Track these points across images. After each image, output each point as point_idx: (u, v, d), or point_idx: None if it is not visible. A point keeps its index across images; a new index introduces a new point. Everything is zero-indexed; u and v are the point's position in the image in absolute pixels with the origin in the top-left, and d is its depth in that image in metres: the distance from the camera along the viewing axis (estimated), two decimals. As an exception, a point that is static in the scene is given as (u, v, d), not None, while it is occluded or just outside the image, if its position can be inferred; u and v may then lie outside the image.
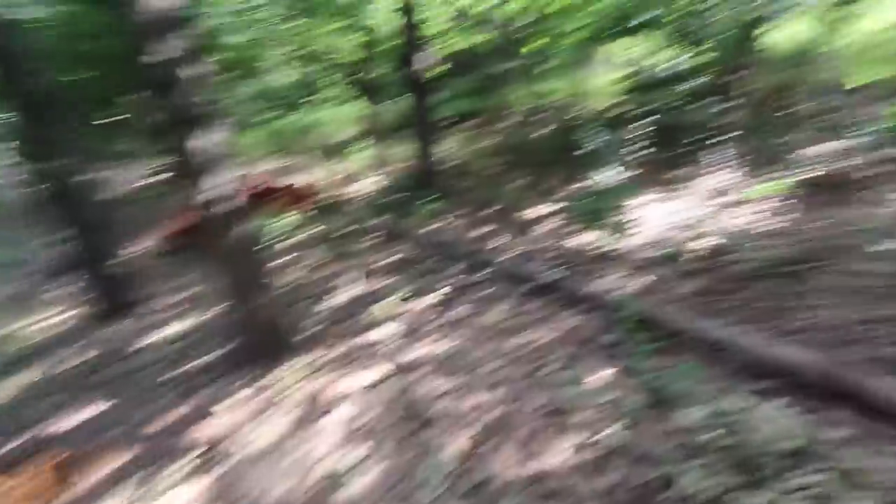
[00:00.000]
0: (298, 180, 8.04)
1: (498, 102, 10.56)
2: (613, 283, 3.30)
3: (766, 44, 6.81)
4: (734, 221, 3.97)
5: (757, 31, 6.07)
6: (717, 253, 3.47)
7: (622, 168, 3.65)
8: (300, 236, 5.46)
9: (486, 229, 4.60)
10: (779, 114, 6.39)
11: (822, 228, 3.57)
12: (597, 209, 3.48)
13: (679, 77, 6.08)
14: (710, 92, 6.46)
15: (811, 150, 5.19)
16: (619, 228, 3.55)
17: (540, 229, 4.57)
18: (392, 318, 3.23)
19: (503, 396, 2.38)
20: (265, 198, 6.34)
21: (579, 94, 10.08)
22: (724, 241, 3.57)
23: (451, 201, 5.55)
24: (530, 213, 4.98)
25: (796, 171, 4.72)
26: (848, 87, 4.78)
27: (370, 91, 9.55)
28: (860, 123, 5.59)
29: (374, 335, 3.07)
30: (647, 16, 5.65)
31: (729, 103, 5.51)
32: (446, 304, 3.32)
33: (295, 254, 4.91)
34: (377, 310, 3.36)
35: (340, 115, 15.19)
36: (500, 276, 3.60)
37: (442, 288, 3.57)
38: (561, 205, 5.05)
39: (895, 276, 2.89)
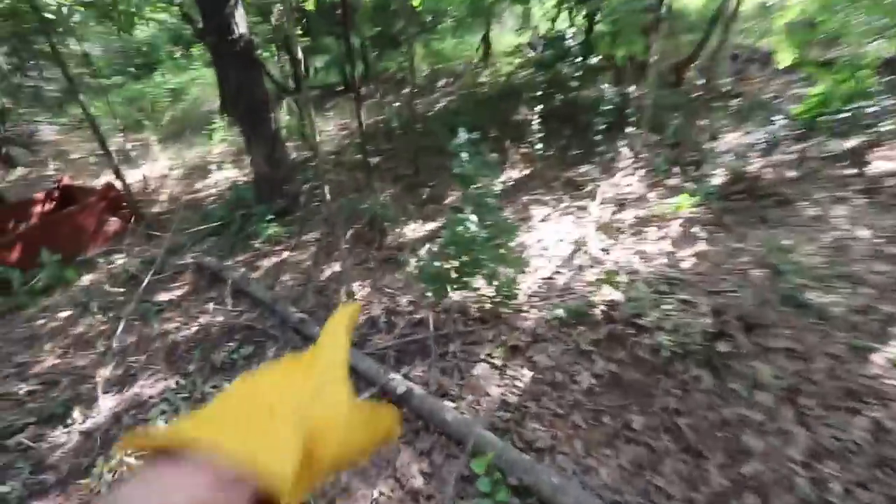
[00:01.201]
0: (125, 177, 6.14)
1: (383, 69, 9.03)
2: (486, 382, 2.29)
3: (673, 6, 6.01)
4: (639, 252, 3.14)
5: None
6: (622, 315, 2.59)
7: (497, 191, 2.57)
8: (85, 279, 3.86)
9: (339, 266, 3.39)
10: (685, 91, 5.70)
11: (743, 269, 2.81)
12: (466, 268, 2.39)
13: (573, 50, 5.07)
14: (609, 68, 5.59)
15: (724, 142, 4.52)
16: (504, 287, 2.52)
17: (414, 262, 3.44)
18: None
19: None
20: (57, 213, 4.55)
21: (480, 60, 8.85)
22: (630, 294, 2.69)
23: (301, 218, 4.21)
24: (407, 233, 3.82)
25: (708, 172, 4.01)
26: (781, 65, 4.03)
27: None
28: (778, 107, 5.02)
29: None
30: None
31: (631, 85, 4.64)
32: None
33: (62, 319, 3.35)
34: None
35: (208, 79, 12.56)
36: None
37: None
38: (443, 220, 3.95)
39: (846, 359, 2.17)
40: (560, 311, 2.66)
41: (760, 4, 7.23)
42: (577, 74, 5.40)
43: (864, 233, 2.98)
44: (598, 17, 6.11)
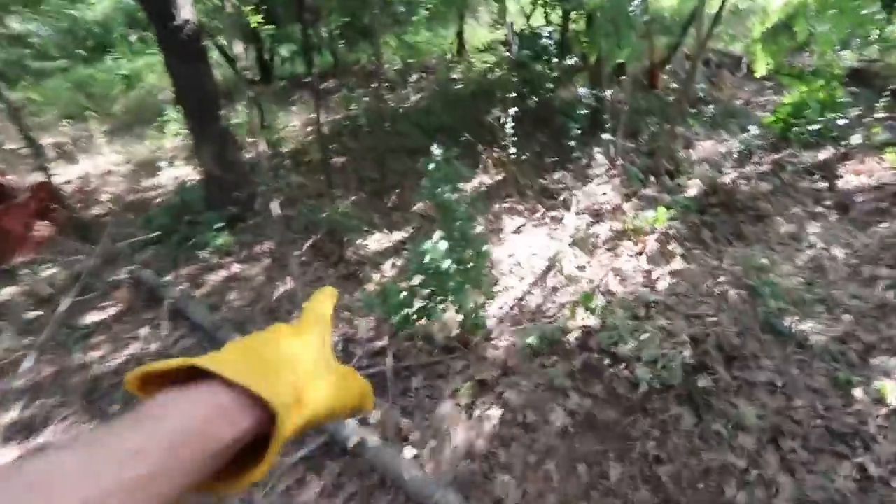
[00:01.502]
0: (60, 174, 5.58)
1: (352, 62, 8.64)
2: (451, 424, 2.07)
3: (652, 8, 5.90)
4: (615, 270, 2.98)
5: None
6: (597, 343, 2.42)
7: (468, 211, 2.33)
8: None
9: (291, 285, 3.09)
10: (659, 95, 5.62)
11: (722, 291, 2.69)
12: (432, 298, 2.16)
13: (549, 49, 4.88)
14: (585, 70, 5.44)
15: (698, 151, 4.44)
16: (473, 315, 2.30)
17: (377, 278, 3.18)
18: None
19: None
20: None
21: (453, 55, 8.56)
22: (606, 319, 2.53)
23: (255, 226, 3.86)
24: (371, 244, 3.55)
25: (683, 183, 3.90)
26: (758, 74, 3.96)
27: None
28: (750, 115, 4.99)
29: None
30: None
31: (606, 88, 4.48)
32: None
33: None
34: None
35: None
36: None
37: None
38: (410, 230, 3.70)
39: (822, 393, 2.06)
40: (532, 339, 2.46)
41: (732, 8, 7.24)
42: (552, 75, 5.21)
43: (839, 252, 2.92)
44: (573, 16, 5.94)
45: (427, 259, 1.98)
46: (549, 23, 5.87)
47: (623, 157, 4.35)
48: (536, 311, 2.73)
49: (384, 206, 4.05)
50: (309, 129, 6.54)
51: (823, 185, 3.66)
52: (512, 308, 2.78)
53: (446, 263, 1.94)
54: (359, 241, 3.55)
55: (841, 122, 4.18)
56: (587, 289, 2.84)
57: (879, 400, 2.04)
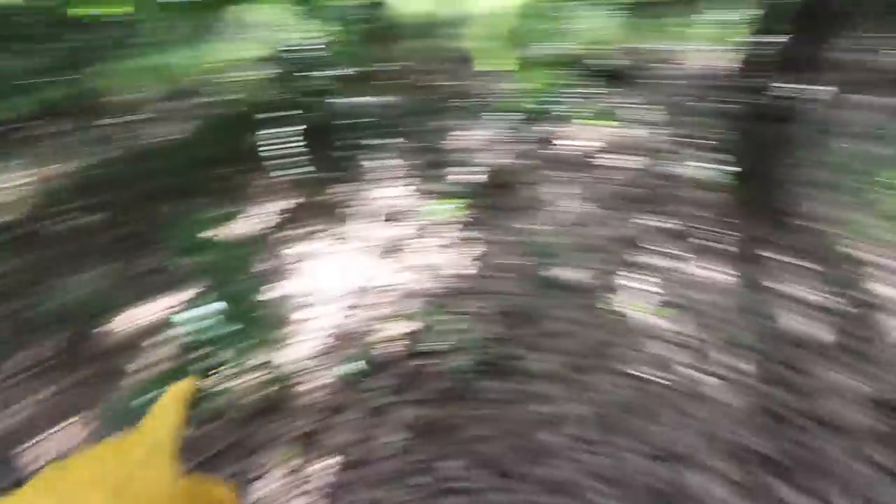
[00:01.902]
0: None
1: (80, 96, 7.04)
2: (285, 500, 1.81)
3: (395, 14, 6.24)
4: (421, 269, 3.06)
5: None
6: (418, 348, 2.44)
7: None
8: None
9: (19, 416, 2.27)
10: (424, 96, 6.04)
11: (514, 263, 3.00)
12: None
13: (319, 60, 4.77)
14: (360, 78, 5.50)
15: (468, 142, 4.90)
16: (274, 375, 2.02)
17: (145, 357, 2.59)
18: None
19: None
20: None
21: (210, 77, 7.68)
22: (421, 320, 2.57)
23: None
24: (131, 323, 2.87)
25: (463, 173, 4.26)
26: (479, 68, 4.49)
27: None
28: (495, 102, 5.71)
29: None
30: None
31: (381, 94, 4.61)
32: None
33: None
34: None
35: None
36: None
37: None
38: (183, 292, 3.13)
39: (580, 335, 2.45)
40: (352, 366, 2.33)
41: (464, 12, 8.22)
42: (328, 87, 5.07)
43: (590, 206, 3.56)
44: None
45: (196, 329, 1.65)
46: (316, 35, 5.69)
47: (409, 157, 4.52)
48: (353, 335, 2.59)
49: (147, 268, 3.34)
50: (33, 188, 5.04)
51: (565, 153, 4.43)
52: (325, 339, 2.59)
53: (219, 330, 1.65)
54: (116, 322, 2.84)
55: (567, 100, 5.13)
56: (402, 295, 2.83)
57: (625, 314, 2.53)
